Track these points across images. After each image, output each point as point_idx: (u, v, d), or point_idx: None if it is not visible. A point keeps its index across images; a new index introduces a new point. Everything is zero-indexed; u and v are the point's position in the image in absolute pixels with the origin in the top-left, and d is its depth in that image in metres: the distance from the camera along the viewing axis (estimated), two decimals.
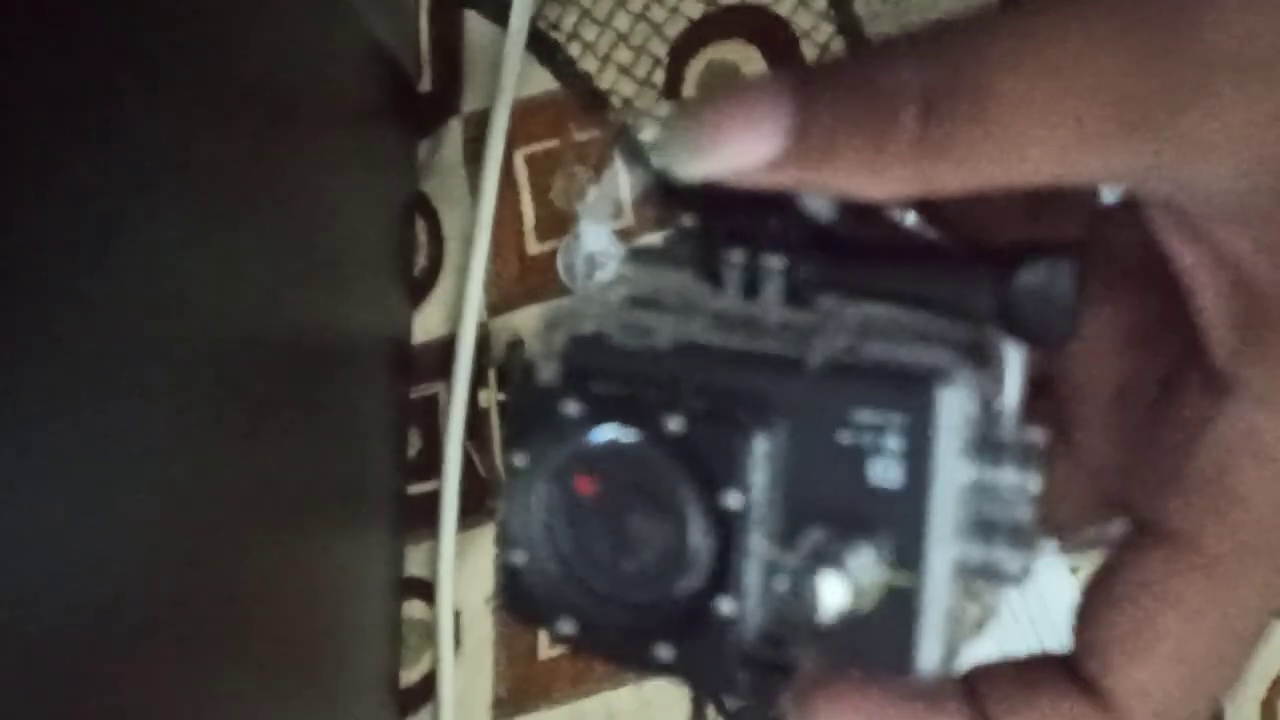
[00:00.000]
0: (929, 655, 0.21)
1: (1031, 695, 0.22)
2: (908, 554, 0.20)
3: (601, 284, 0.24)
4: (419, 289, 0.58)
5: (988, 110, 0.18)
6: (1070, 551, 0.53)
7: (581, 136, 0.56)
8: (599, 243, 0.55)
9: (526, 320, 0.57)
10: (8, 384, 0.29)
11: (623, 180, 0.57)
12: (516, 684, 0.56)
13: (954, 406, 0.20)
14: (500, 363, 0.56)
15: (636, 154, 0.21)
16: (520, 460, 0.22)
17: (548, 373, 0.23)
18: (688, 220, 0.22)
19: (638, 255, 0.24)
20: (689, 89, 0.57)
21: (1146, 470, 0.21)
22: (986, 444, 0.21)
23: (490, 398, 0.55)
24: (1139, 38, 0.18)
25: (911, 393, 0.20)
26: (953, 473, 0.20)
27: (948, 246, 0.22)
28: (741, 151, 0.19)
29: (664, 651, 0.22)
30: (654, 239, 0.26)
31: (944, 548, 0.20)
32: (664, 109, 0.56)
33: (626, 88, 0.58)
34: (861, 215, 0.21)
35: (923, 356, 0.20)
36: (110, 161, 0.33)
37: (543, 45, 0.58)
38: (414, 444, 0.57)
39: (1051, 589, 0.53)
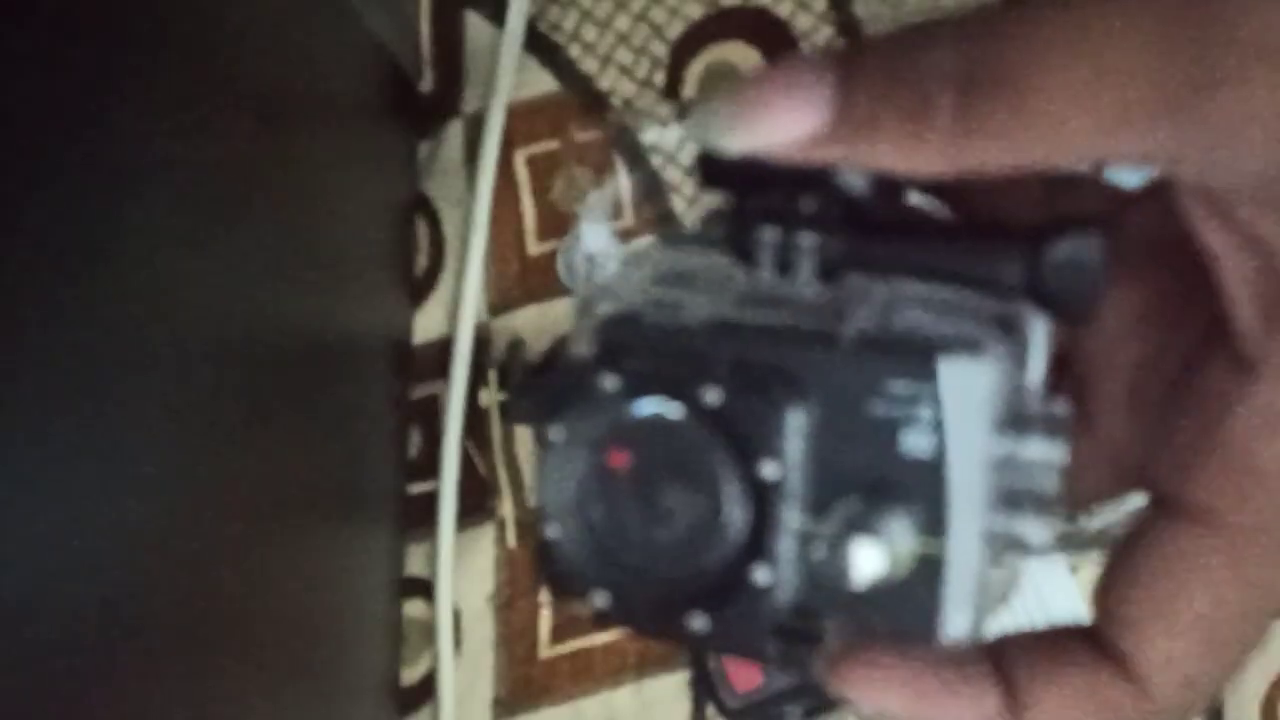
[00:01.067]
0: (957, 621, 0.21)
1: (1058, 664, 0.22)
2: (937, 522, 0.21)
3: (631, 263, 0.25)
4: (419, 289, 0.58)
5: (1026, 91, 0.18)
6: (1070, 551, 0.53)
7: (582, 137, 0.56)
8: (599, 243, 0.55)
9: (526, 320, 0.57)
10: (8, 384, 0.29)
11: (623, 180, 0.57)
12: (516, 683, 0.56)
13: (983, 377, 0.20)
14: (501, 362, 0.56)
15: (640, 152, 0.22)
16: (556, 434, 0.23)
17: (583, 349, 0.23)
18: (719, 201, 0.22)
19: (668, 238, 0.25)
20: (689, 90, 0.57)
21: (1168, 448, 0.21)
22: (1014, 416, 0.21)
23: (490, 398, 0.55)
24: (1175, 24, 0.18)
25: (949, 367, 0.20)
26: (981, 443, 0.21)
27: (976, 223, 0.22)
28: (784, 126, 0.20)
29: (698, 621, 0.22)
30: (681, 227, 0.26)
31: (972, 516, 0.21)
32: (664, 110, 0.56)
33: (627, 88, 0.58)
34: (892, 192, 0.21)
35: (953, 328, 0.21)
36: (110, 161, 0.33)
37: (544, 47, 0.58)
38: (414, 444, 0.57)
39: (1051, 589, 0.53)
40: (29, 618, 0.29)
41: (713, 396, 0.21)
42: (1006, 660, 0.22)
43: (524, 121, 0.58)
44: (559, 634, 0.56)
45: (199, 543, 0.38)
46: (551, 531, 0.23)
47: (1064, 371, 0.23)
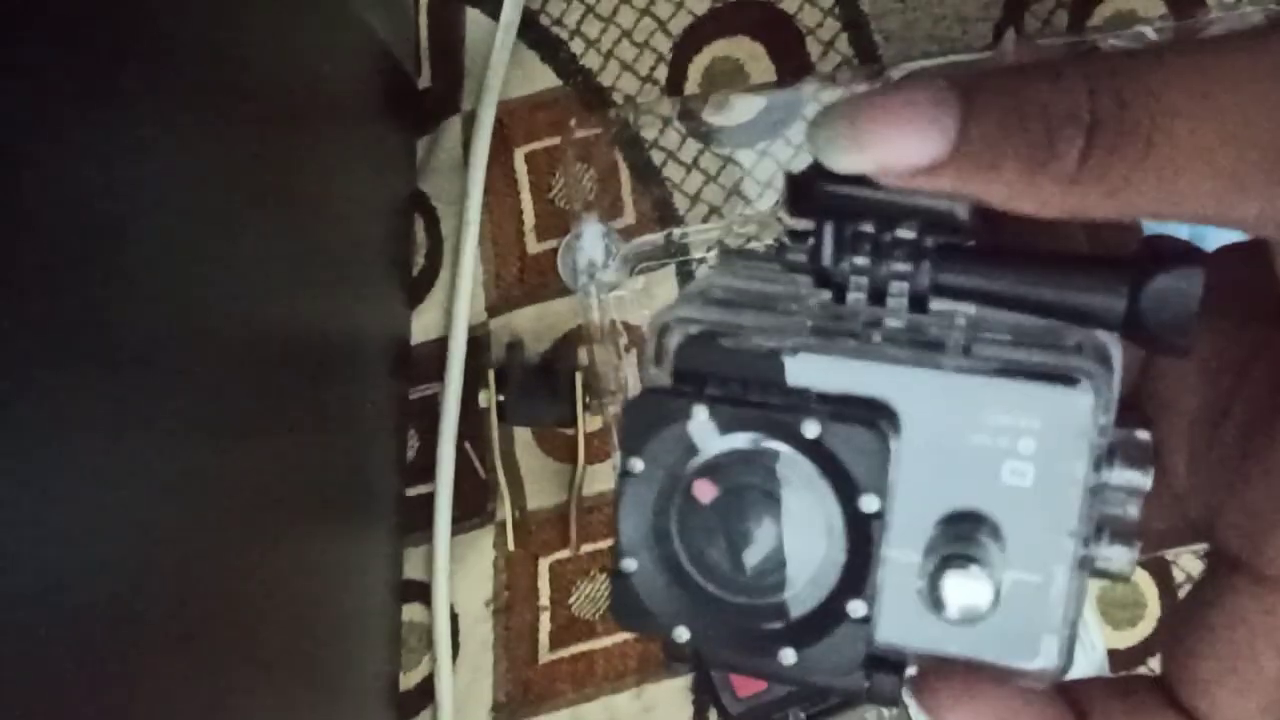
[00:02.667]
0: (1051, 651, 0.21)
1: (1134, 714, 0.23)
2: (1037, 554, 0.21)
3: (701, 284, 0.24)
4: (417, 288, 0.57)
5: (1152, 148, 0.18)
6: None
7: (583, 134, 0.55)
8: (599, 243, 0.55)
9: (526, 320, 0.57)
10: (10, 384, 0.28)
11: (624, 178, 0.56)
12: (516, 687, 0.56)
13: (1089, 410, 0.20)
14: (499, 363, 0.56)
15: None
16: (636, 466, 0.22)
17: (659, 372, 0.23)
18: (803, 223, 0.22)
19: (732, 257, 0.24)
20: (692, 86, 0.57)
21: (1238, 509, 0.22)
22: (1105, 444, 0.21)
23: (489, 398, 0.54)
24: None
25: (1050, 397, 0.20)
26: (1081, 473, 0.21)
27: (1071, 252, 0.22)
28: (903, 149, 0.19)
29: (787, 656, 0.22)
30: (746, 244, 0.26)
31: (1070, 546, 0.21)
32: (665, 106, 0.56)
33: (629, 85, 0.57)
34: (990, 220, 0.21)
35: (1059, 361, 0.21)
36: (107, 160, 0.33)
37: (544, 42, 0.57)
38: (413, 445, 0.57)
39: None
40: (27, 619, 0.29)
41: (811, 430, 0.21)
42: (1083, 703, 0.23)
43: (524, 118, 0.57)
44: (559, 638, 0.56)
45: (196, 544, 0.37)
46: (628, 565, 0.23)
47: (1132, 408, 0.24)
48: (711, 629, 0.22)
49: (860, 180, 0.20)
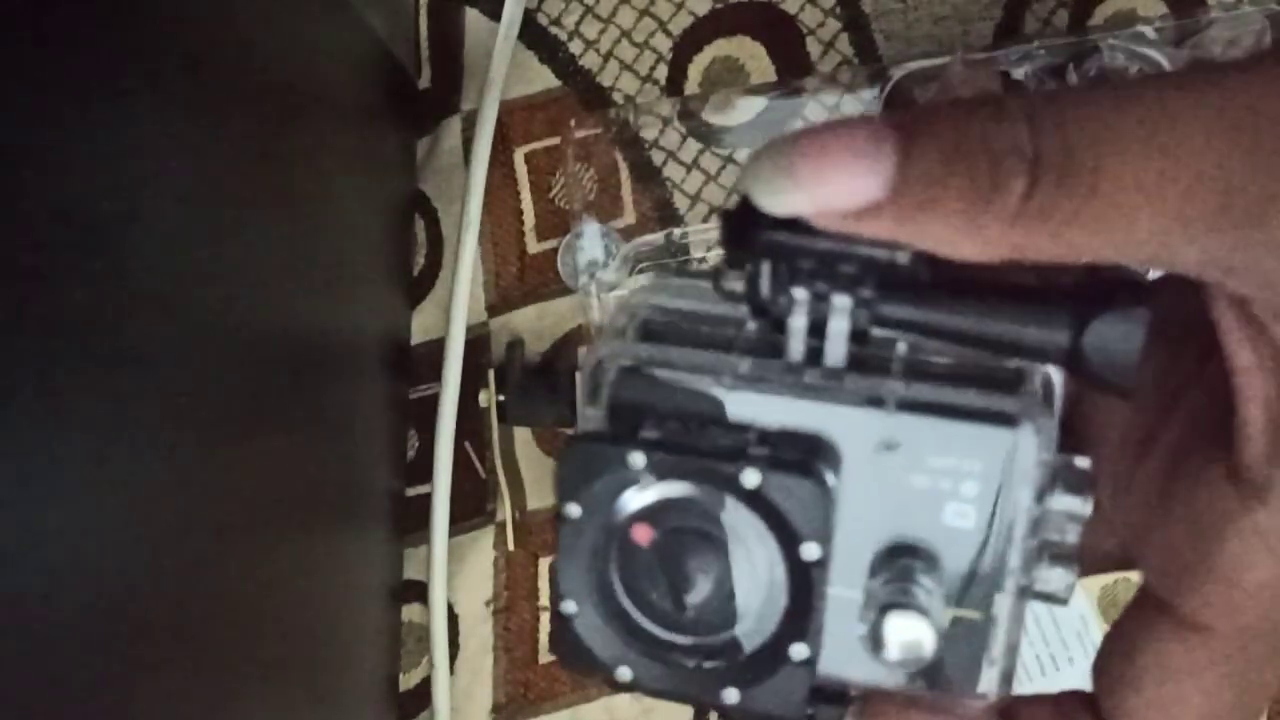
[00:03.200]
0: (993, 680, 0.22)
1: None
2: (978, 590, 0.21)
3: (633, 307, 0.24)
4: (418, 288, 0.57)
5: (1097, 188, 0.18)
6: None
7: (583, 134, 0.55)
8: (599, 243, 0.55)
9: (526, 320, 0.57)
10: (9, 385, 0.28)
11: (624, 178, 0.56)
12: (515, 688, 0.55)
13: (1032, 451, 0.20)
14: (499, 363, 0.56)
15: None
16: (574, 511, 0.22)
17: (594, 420, 0.23)
18: (731, 254, 0.22)
19: (668, 275, 0.24)
20: (692, 86, 0.57)
21: (1160, 547, 0.22)
22: (1048, 475, 0.21)
23: (489, 398, 0.54)
24: (1251, 134, 0.18)
25: (992, 439, 0.20)
26: (1024, 510, 0.21)
27: (1013, 283, 0.22)
28: (838, 189, 0.19)
29: (730, 695, 0.22)
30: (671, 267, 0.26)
31: (1013, 583, 0.21)
32: (665, 106, 0.56)
33: (629, 85, 0.57)
34: (930, 264, 0.21)
35: (998, 403, 0.21)
36: (107, 160, 0.33)
37: (544, 42, 0.57)
38: (412, 445, 0.57)
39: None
40: (27, 620, 0.29)
41: (751, 479, 0.21)
42: None
43: (523, 119, 0.57)
44: None
45: (195, 545, 0.37)
46: (568, 607, 0.23)
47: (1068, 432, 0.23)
48: (654, 669, 0.22)
49: (796, 223, 0.20)
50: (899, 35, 0.56)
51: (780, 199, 0.19)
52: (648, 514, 0.22)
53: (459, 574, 0.56)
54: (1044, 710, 0.23)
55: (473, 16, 0.58)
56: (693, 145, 0.56)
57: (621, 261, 0.55)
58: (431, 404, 0.56)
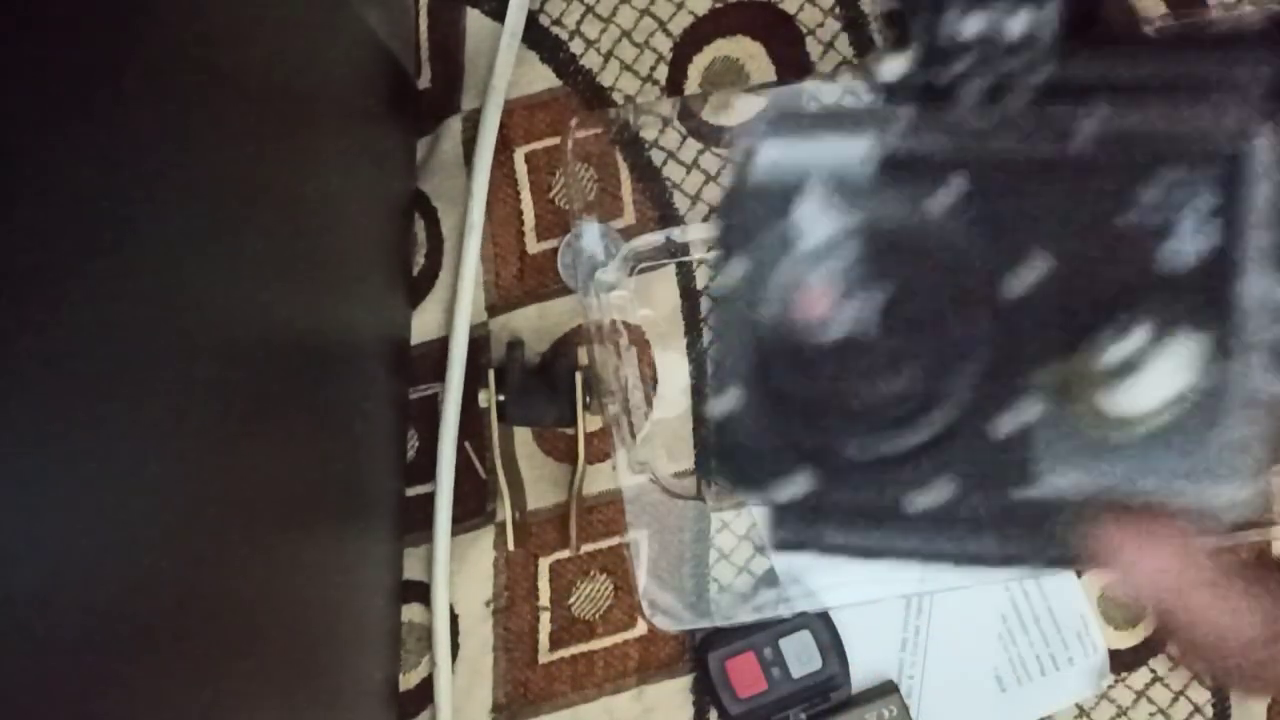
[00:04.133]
0: (1241, 471, 0.18)
1: None
2: (1218, 337, 0.18)
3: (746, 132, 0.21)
4: (417, 288, 0.57)
5: None
6: None
7: (583, 134, 0.55)
8: (599, 243, 0.55)
9: (526, 320, 0.57)
10: (8, 385, 0.28)
11: (624, 178, 0.56)
12: (516, 688, 0.55)
13: (1263, 157, 0.17)
14: (499, 363, 0.56)
15: None
16: (733, 272, 0.18)
17: (752, 170, 0.19)
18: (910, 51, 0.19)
19: (787, 118, 0.20)
20: (692, 86, 0.57)
21: None
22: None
23: (489, 398, 0.54)
24: None
25: (1223, 150, 0.17)
26: (1263, 236, 0.17)
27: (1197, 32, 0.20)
28: None
29: (941, 489, 0.17)
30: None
31: (1259, 327, 0.17)
32: (665, 106, 0.56)
33: (629, 85, 0.57)
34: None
35: (1218, 116, 0.18)
36: (106, 160, 0.33)
37: (544, 42, 0.57)
38: (413, 445, 0.57)
39: (1057, 591, 0.53)
40: (26, 621, 0.29)
41: (957, 186, 0.17)
42: None
43: (524, 118, 0.57)
44: (559, 638, 0.56)
45: (195, 545, 0.37)
46: (722, 405, 0.18)
47: None
48: (842, 471, 0.18)
49: None
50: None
51: None
52: (825, 264, 0.18)
53: (459, 574, 0.56)
54: None
55: (473, 16, 0.58)
56: (693, 145, 0.56)
57: (621, 261, 0.55)
58: (431, 404, 0.56)
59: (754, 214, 0.18)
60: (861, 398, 0.17)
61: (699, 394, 0.21)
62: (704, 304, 0.54)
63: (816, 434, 0.18)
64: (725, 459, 0.18)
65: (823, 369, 0.18)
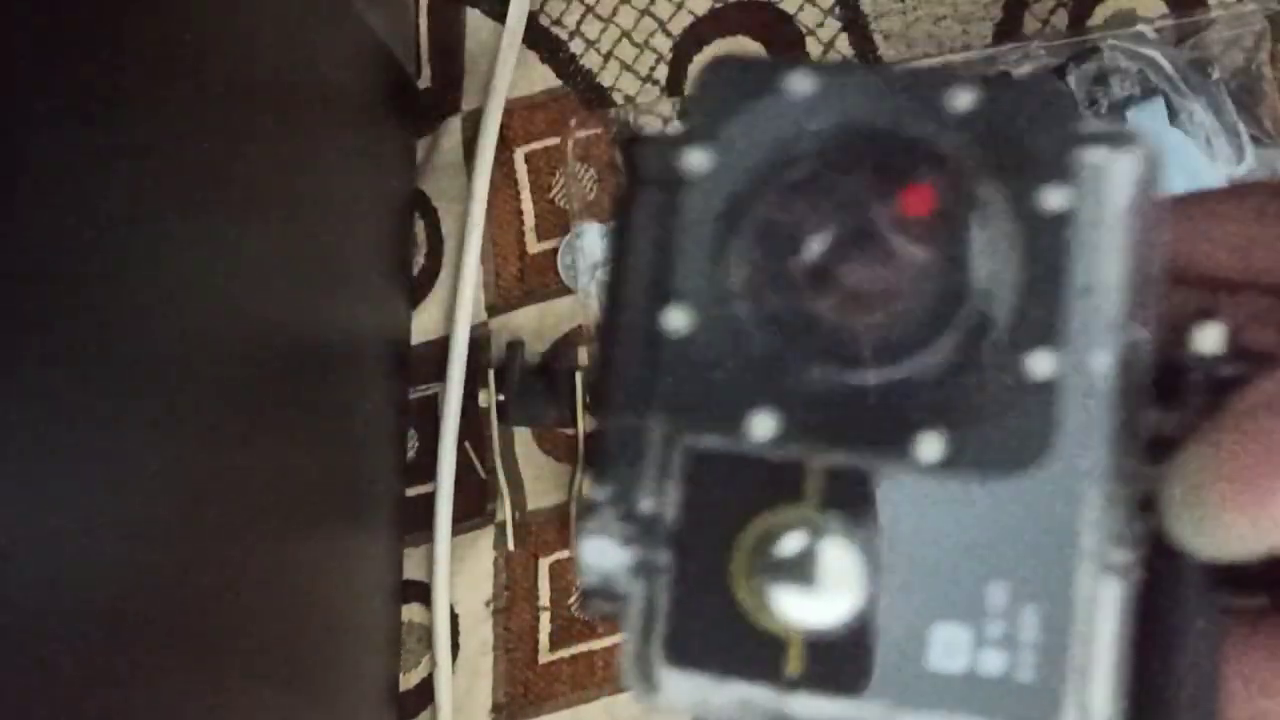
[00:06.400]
0: None
1: None
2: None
3: None
4: (417, 288, 0.57)
5: None
6: None
7: (583, 134, 0.55)
8: (599, 243, 0.55)
9: (526, 320, 0.57)
10: (9, 385, 0.28)
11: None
12: (516, 688, 0.55)
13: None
14: (499, 363, 0.56)
15: None
16: (699, 162, 0.15)
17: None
18: None
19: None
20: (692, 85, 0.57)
21: None
22: None
23: (489, 398, 0.54)
24: None
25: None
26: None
27: None
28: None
29: (928, 446, 0.15)
30: None
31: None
32: (665, 106, 0.55)
33: (629, 85, 0.57)
34: None
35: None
36: (106, 160, 0.33)
37: (544, 42, 0.57)
38: (413, 445, 0.57)
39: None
40: (27, 620, 0.29)
41: (965, 99, 0.15)
42: None
43: (524, 118, 0.57)
44: (559, 638, 0.56)
45: (195, 545, 0.37)
46: (675, 320, 0.15)
47: None
48: (812, 412, 0.15)
49: None
50: (898, 35, 0.56)
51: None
52: (804, 162, 0.15)
53: (459, 574, 0.56)
54: None
55: (473, 16, 0.58)
56: None
57: None
58: (431, 404, 0.56)
59: (739, 85, 0.15)
60: (838, 333, 0.15)
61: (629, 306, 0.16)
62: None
63: (787, 367, 0.15)
64: (676, 386, 0.15)
65: (788, 295, 0.15)
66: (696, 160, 0.15)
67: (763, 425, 0.15)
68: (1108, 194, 0.15)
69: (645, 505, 0.16)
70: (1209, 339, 0.15)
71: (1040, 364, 0.15)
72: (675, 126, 0.16)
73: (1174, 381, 0.15)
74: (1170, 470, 0.15)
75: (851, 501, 0.15)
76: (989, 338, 0.15)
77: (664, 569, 0.16)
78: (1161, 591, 0.15)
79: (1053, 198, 0.15)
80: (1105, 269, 0.15)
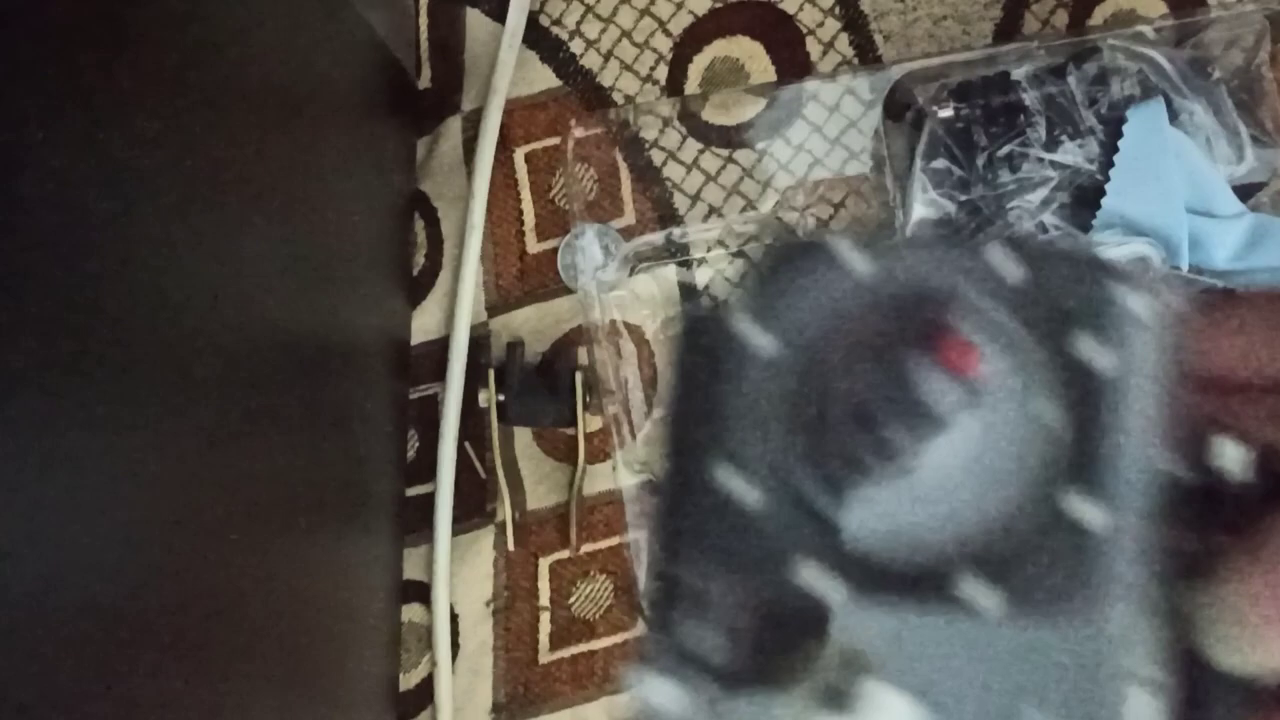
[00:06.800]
0: None
1: None
2: None
3: None
4: (417, 288, 0.57)
5: None
6: None
7: (583, 134, 0.55)
8: (599, 243, 0.55)
9: (526, 320, 0.57)
10: (11, 385, 0.28)
11: (624, 179, 0.56)
12: (516, 688, 0.55)
13: None
14: (499, 363, 0.56)
15: None
16: (763, 342, 0.15)
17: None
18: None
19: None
20: (692, 86, 0.57)
21: None
22: None
23: (489, 398, 0.54)
24: None
25: None
26: None
27: None
28: None
29: (985, 597, 0.14)
30: None
31: None
32: (665, 106, 0.56)
33: (629, 85, 0.57)
34: None
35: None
36: (107, 160, 0.33)
37: (544, 42, 0.57)
38: (413, 445, 0.57)
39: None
40: (29, 620, 0.29)
41: (1014, 274, 0.15)
42: None
43: (524, 119, 0.57)
44: (559, 638, 0.56)
45: (195, 545, 0.37)
46: (740, 488, 0.15)
47: None
48: (869, 579, 0.15)
49: None
50: (898, 35, 0.56)
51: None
52: (863, 332, 0.15)
53: (459, 574, 0.56)
54: None
55: (473, 16, 0.58)
56: (693, 145, 0.56)
57: (621, 261, 0.55)
58: (431, 404, 0.56)
59: (792, 271, 0.15)
60: (887, 488, 0.15)
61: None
62: (705, 304, 0.54)
63: (827, 528, 0.15)
64: (742, 542, 0.15)
65: (850, 454, 0.15)
66: (760, 341, 0.16)
67: (820, 581, 0.15)
68: (1139, 341, 0.15)
69: (703, 647, 0.16)
70: (1230, 456, 0.15)
71: (1085, 511, 0.15)
72: (735, 297, 0.16)
73: (1202, 499, 0.15)
74: (1208, 593, 0.15)
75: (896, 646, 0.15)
76: (1037, 491, 0.15)
77: (721, 711, 0.16)
78: (1196, 706, 0.15)
79: (1089, 349, 0.15)
80: (1140, 411, 0.15)
